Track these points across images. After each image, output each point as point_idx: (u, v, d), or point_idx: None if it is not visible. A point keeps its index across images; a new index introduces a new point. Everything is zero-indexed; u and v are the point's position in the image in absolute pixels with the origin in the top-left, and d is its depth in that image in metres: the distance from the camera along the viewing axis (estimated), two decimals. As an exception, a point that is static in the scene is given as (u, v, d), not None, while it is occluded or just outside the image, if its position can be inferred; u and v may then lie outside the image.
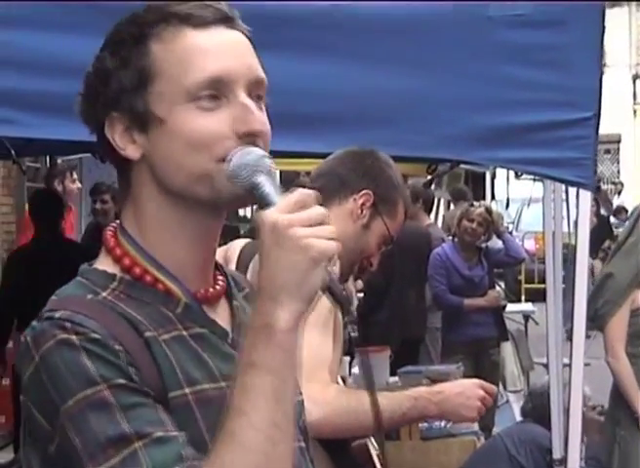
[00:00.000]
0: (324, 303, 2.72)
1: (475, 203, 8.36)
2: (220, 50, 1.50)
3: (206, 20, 1.51)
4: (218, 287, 1.60)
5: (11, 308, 6.86)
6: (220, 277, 1.62)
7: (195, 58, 1.49)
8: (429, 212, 9.75)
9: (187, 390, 1.45)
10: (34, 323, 1.42)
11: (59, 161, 8.48)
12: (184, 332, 1.50)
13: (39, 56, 3.28)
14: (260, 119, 1.51)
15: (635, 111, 28.21)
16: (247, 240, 3.20)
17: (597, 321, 5.22)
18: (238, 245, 3.11)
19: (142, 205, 1.54)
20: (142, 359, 1.42)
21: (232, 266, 2.88)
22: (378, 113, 3.43)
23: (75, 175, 8.98)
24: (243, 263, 2.95)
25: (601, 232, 12.99)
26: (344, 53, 3.41)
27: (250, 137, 1.48)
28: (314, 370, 2.70)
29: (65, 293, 1.49)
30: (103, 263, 1.54)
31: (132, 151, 1.51)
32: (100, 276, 1.51)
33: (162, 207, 1.53)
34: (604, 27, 3.41)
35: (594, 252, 12.68)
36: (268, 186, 1.43)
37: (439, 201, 12.25)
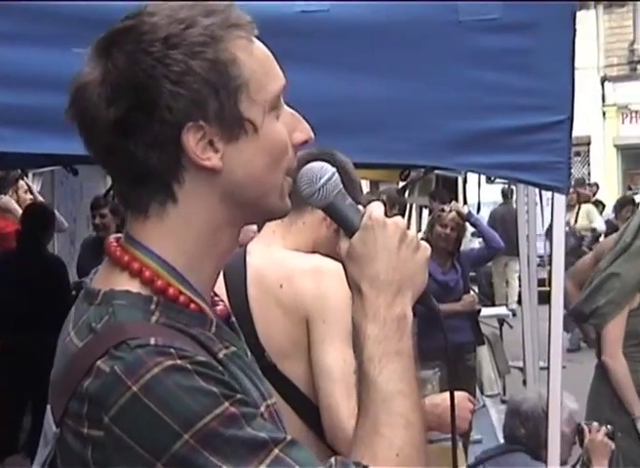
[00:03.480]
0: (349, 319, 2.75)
1: (445, 207, 8.31)
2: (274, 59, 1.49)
3: (255, 30, 1.45)
4: (220, 302, 1.57)
5: None
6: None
7: (271, 66, 1.47)
8: (402, 218, 9.72)
9: (262, 409, 1.44)
10: (117, 353, 1.29)
11: (33, 172, 8.46)
12: (227, 352, 1.43)
13: (10, 69, 3.24)
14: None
15: (604, 113, 28.33)
16: None
17: (596, 319, 5.24)
18: None
19: (189, 216, 1.42)
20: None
21: None
22: (351, 121, 3.42)
23: (31, 185, 8.92)
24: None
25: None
26: (316, 60, 3.39)
27: (300, 147, 1.49)
28: (353, 386, 2.75)
29: (125, 319, 1.35)
30: (124, 283, 1.41)
31: (216, 161, 1.40)
32: (137, 299, 1.39)
33: (214, 218, 1.43)
34: (575, 30, 3.41)
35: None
36: (348, 200, 1.57)
37: (411, 207, 12.26)
